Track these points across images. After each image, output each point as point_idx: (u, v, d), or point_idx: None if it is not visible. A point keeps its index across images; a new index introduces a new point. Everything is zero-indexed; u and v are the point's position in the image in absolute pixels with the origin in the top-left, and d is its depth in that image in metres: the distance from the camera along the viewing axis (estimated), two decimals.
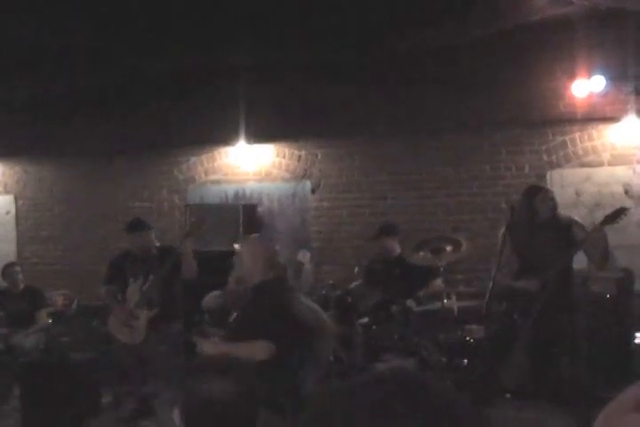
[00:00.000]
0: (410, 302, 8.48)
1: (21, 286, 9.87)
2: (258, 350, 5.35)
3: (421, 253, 8.36)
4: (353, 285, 9.17)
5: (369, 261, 9.43)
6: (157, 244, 8.67)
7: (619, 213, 7.07)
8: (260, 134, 11.08)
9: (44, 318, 9.68)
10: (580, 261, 7.43)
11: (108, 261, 8.80)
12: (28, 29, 8.46)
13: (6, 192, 12.85)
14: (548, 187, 9.62)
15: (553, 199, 7.52)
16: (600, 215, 7.42)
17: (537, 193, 7.44)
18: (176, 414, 2.89)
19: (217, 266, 9.07)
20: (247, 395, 2.90)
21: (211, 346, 5.65)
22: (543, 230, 7.32)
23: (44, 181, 12.63)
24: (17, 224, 12.74)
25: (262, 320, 5.53)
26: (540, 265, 7.20)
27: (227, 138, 11.20)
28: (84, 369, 8.28)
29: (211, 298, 8.63)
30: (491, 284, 7.11)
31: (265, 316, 5.55)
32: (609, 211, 7.28)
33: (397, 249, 9.09)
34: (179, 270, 8.25)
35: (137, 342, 8.02)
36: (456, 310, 8.08)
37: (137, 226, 8.60)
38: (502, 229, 7.56)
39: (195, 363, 3.36)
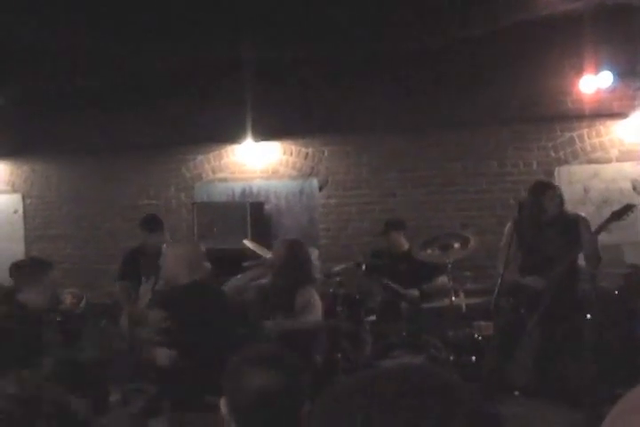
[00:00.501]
0: (413, 291, 8.48)
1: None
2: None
3: (429, 250, 8.35)
4: (339, 267, 9.17)
5: (371, 253, 9.41)
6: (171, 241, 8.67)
7: (625, 210, 7.08)
8: (266, 132, 11.08)
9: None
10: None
11: (122, 257, 8.78)
12: (32, 27, 8.46)
13: (14, 191, 12.88)
14: (556, 183, 9.63)
15: (560, 196, 7.51)
16: (608, 212, 7.41)
17: (545, 190, 7.43)
18: (223, 404, 2.90)
19: (224, 264, 9.07)
20: (293, 386, 2.90)
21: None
22: (550, 227, 7.31)
23: (52, 179, 12.64)
24: (25, 223, 12.76)
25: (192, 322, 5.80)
26: (547, 261, 7.20)
27: (233, 136, 11.20)
28: (92, 367, 8.28)
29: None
30: (499, 280, 7.10)
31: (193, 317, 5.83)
32: (617, 207, 7.27)
33: (405, 244, 9.08)
34: None
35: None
36: (464, 306, 8.07)
37: (154, 225, 8.58)
38: (508, 225, 7.56)
39: (241, 356, 3.34)
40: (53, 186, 12.63)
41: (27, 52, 9.35)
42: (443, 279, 8.37)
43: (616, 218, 7.07)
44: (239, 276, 7.40)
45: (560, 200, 7.48)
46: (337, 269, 9.11)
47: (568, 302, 7.21)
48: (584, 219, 7.47)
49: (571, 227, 7.33)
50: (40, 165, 12.72)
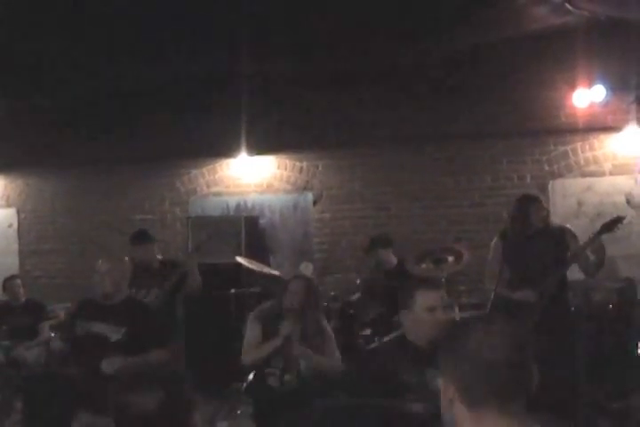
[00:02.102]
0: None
1: (22, 300, 9.87)
2: (163, 355, 5.99)
3: (423, 265, 8.35)
4: (354, 297, 9.15)
5: (369, 272, 9.39)
6: (160, 257, 8.66)
7: (616, 222, 7.10)
8: (261, 146, 11.09)
9: (46, 331, 9.66)
10: (574, 270, 7.43)
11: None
12: (27, 40, 8.46)
13: (8, 205, 12.85)
14: (550, 197, 9.65)
15: (546, 209, 7.54)
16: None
17: (532, 203, 7.44)
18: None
19: (218, 278, 9.09)
20: (176, 403, 2.88)
21: (110, 364, 5.94)
22: (536, 240, 7.32)
23: (46, 193, 12.62)
24: (19, 237, 12.73)
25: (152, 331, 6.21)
26: (534, 274, 7.21)
27: (228, 150, 11.21)
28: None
29: None
30: (492, 294, 7.11)
31: (152, 327, 6.27)
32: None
33: (393, 260, 9.07)
34: (182, 286, 8.26)
35: None
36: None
37: (142, 238, 8.58)
38: (495, 240, 7.58)
39: (122, 376, 3.33)
40: (47, 200, 12.61)
41: (21, 67, 9.36)
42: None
43: (606, 230, 7.08)
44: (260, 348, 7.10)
45: (546, 213, 7.51)
46: (352, 299, 9.08)
47: (559, 314, 7.20)
48: (570, 230, 7.49)
49: (557, 239, 7.35)
50: (34, 180, 12.70)
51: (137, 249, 8.47)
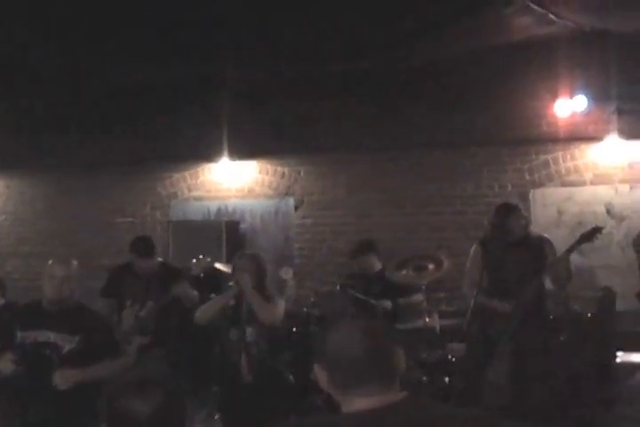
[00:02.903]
0: (385, 303, 8.43)
1: (2, 302, 9.82)
2: (122, 364, 5.79)
3: (404, 272, 8.35)
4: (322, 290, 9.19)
5: (345, 277, 9.37)
6: (160, 259, 8.35)
7: (594, 232, 7.15)
8: (242, 151, 11.08)
9: None
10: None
11: (109, 273, 8.43)
12: (10, 43, 8.44)
13: None
14: (531, 206, 9.70)
15: (525, 218, 7.58)
16: None
17: (510, 212, 7.46)
18: None
19: (199, 283, 9.03)
20: (165, 409, 2.90)
21: (63, 377, 5.48)
22: (515, 249, 7.34)
23: (27, 196, 12.58)
24: None
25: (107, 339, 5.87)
26: (513, 283, 7.24)
27: (210, 154, 11.20)
28: None
29: None
30: (472, 302, 7.13)
31: (108, 336, 5.94)
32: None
33: (377, 265, 9.07)
34: (180, 301, 7.97)
35: None
36: (438, 328, 8.08)
37: (147, 251, 8.00)
38: (474, 248, 7.60)
39: (112, 382, 3.35)
40: (28, 203, 12.56)
41: (4, 68, 9.33)
42: (418, 297, 8.37)
43: (585, 240, 7.13)
44: (209, 303, 7.36)
45: (525, 222, 7.55)
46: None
47: (536, 323, 7.24)
48: (548, 240, 7.53)
49: (536, 248, 7.38)
50: (15, 182, 12.66)
51: (139, 261, 7.99)
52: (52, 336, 5.69)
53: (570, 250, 7.15)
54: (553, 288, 7.54)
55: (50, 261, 6.05)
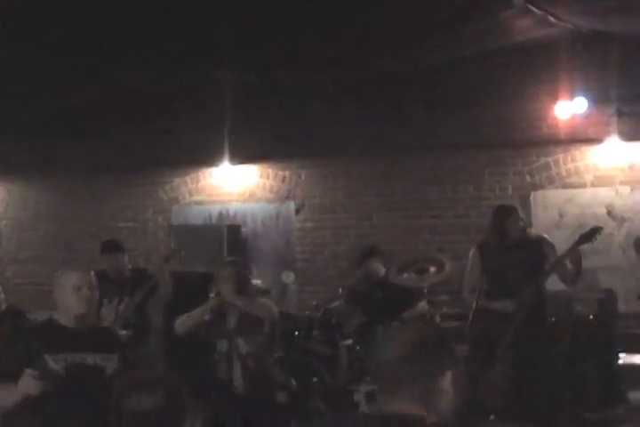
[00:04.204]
0: (395, 325, 8.42)
1: (3, 307, 9.82)
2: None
3: (405, 275, 8.34)
4: (333, 304, 9.14)
5: (354, 282, 9.36)
6: (130, 266, 8.69)
7: (594, 233, 7.15)
8: (243, 155, 11.09)
9: None
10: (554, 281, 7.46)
11: None
12: (10, 46, 8.45)
13: None
14: (532, 208, 9.70)
15: (523, 219, 7.58)
16: None
17: (508, 214, 7.47)
18: None
19: (200, 288, 9.04)
20: (174, 407, 2.91)
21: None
22: (514, 250, 7.35)
23: (28, 200, 12.59)
24: (0, 244, 12.68)
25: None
26: (512, 285, 7.23)
27: (211, 159, 11.22)
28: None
29: None
30: (474, 304, 7.13)
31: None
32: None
33: (382, 270, 9.06)
34: (154, 294, 8.31)
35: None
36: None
37: (112, 247, 8.60)
38: (472, 251, 7.61)
39: (123, 379, 3.31)
40: (29, 207, 12.57)
41: (3, 73, 9.34)
42: (423, 305, 8.36)
43: (585, 240, 7.12)
44: (189, 314, 7.26)
45: (523, 224, 7.55)
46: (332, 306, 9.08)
47: (537, 325, 7.23)
48: (547, 240, 7.54)
49: (535, 249, 7.39)
50: (16, 186, 12.67)
51: (107, 258, 8.50)
52: (87, 357, 4.89)
53: (568, 253, 7.15)
54: (561, 289, 7.55)
55: (61, 271, 5.19)
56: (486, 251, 7.49)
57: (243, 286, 7.13)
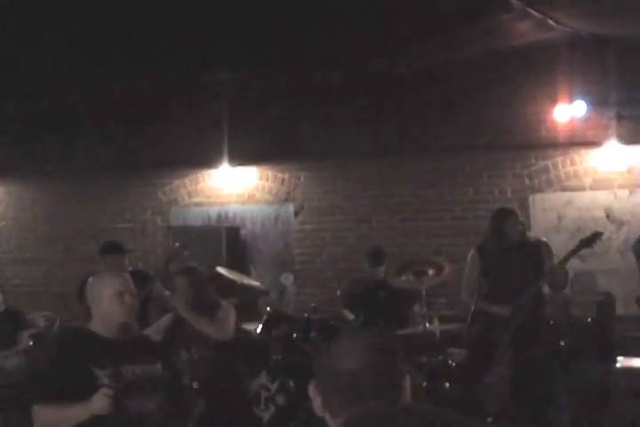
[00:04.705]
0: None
1: (2, 308, 9.81)
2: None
3: (403, 277, 8.34)
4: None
5: (348, 284, 9.37)
6: (130, 268, 8.68)
7: (594, 238, 7.16)
8: (243, 157, 11.10)
9: (26, 340, 9.60)
10: None
11: (81, 280, 8.67)
12: (9, 48, 8.45)
13: None
14: (530, 211, 9.71)
15: (522, 223, 7.59)
16: None
17: (507, 217, 7.49)
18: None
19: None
20: (174, 408, 2.91)
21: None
22: (513, 253, 7.36)
23: (27, 201, 12.60)
24: None
25: None
26: (511, 288, 7.24)
27: (210, 161, 11.22)
28: None
29: None
30: (472, 307, 7.14)
31: None
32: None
33: (382, 272, 9.07)
34: (155, 296, 8.31)
35: None
36: (438, 333, 8.07)
37: (112, 248, 8.56)
38: (471, 253, 7.62)
39: (124, 382, 3.30)
40: (28, 208, 12.58)
41: (3, 73, 9.34)
42: (416, 308, 8.37)
43: (585, 245, 7.14)
44: (151, 327, 7.25)
45: (522, 227, 7.56)
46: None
47: (535, 328, 7.24)
48: (546, 244, 7.56)
49: (533, 252, 7.40)
50: (15, 187, 12.68)
51: (107, 260, 8.45)
52: (135, 369, 4.46)
53: (567, 257, 7.16)
54: (551, 293, 7.57)
55: (96, 277, 4.87)
56: (485, 253, 7.51)
57: (199, 293, 7.13)
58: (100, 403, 4.09)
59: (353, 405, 2.54)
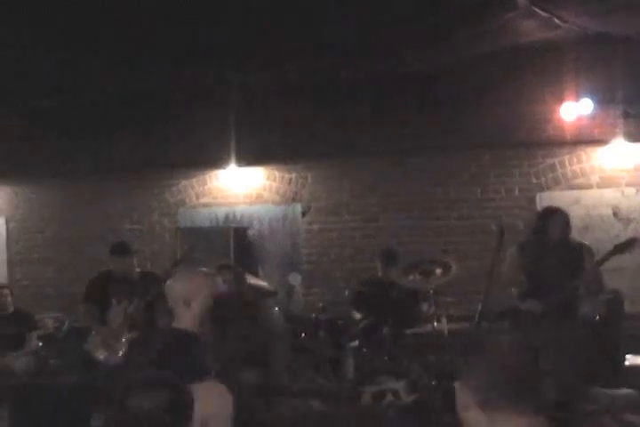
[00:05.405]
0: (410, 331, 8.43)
1: (11, 309, 9.85)
2: None
3: (411, 276, 8.33)
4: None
5: (357, 283, 9.38)
6: (138, 269, 8.70)
7: (629, 244, 7.15)
8: (250, 157, 11.10)
9: (35, 341, 9.64)
10: None
11: (88, 281, 8.78)
12: (17, 48, 8.47)
13: None
14: (537, 209, 9.69)
15: (567, 222, 7.52)
16: (588, 238, 7.46)
17: (551, 215, 7.47)
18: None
19: None
20: (175, 408, 2.92)
21: None
22: (553, 252, 7.33)
23: (35, 202, 12.60)
24: (7, 246, 12.69)
25: None
26: (547, 286, 7.22)
27: (217, 161, 11.22)
28: (74, 392, 8.25)
29: None
30: (480, 305, 7.13)
31: None
32: (597, 233, 7.33)
33: (395, 273, 9.06)
34: (163, 297, 8.31)
35: (112, 362, 8.04)
36: (446, 332, 8.07)
37: (121, 249, 8.62)
38: (511, 250, 7.58)
39: (125, 379, 3.31)
40: (36, 209, 12.58)
41: (10, 74, 9.36)
42: (423, 308, 8.38)
43: (619, 251, 7.12)
44: None
45: (566, 226, 7.50)
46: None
47: (568, 326, 7.19)
48: (588, 247, 7.50)
49: (574, 254, 7.36)
50: (23, 189, 12.68)
51: (116, 260, 8.52)
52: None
53: (600, 262, 7.14)
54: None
55: (188, 272, 5.01)
56: (526, 250, 7.49)
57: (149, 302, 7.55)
58: None
59: (505, 401, 2.60)
